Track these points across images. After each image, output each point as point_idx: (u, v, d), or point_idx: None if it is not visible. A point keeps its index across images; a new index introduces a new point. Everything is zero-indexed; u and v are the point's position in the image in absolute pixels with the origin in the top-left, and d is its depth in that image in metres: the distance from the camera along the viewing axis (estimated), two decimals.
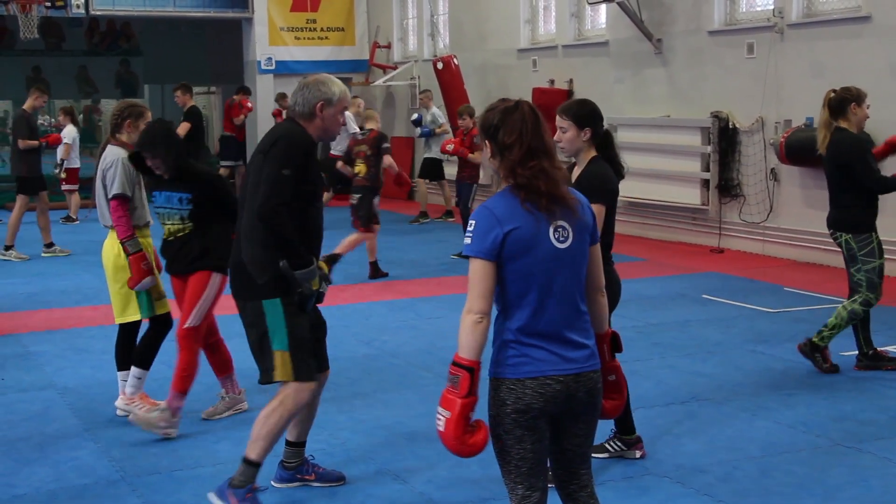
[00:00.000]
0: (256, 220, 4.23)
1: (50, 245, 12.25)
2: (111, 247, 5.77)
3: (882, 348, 6.77)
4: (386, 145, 10.32)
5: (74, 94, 21.79)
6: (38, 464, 5.20)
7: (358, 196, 10.09)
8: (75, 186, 15.33)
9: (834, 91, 6.49)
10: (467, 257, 3.14)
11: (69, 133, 15.01)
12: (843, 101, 6.40)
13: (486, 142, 3.23)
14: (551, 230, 3.13)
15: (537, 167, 3.13)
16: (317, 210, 4.48)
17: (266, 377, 4.43)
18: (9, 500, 4.74)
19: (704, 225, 12.11)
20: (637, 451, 5.06)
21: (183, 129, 13.46)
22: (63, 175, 15.05)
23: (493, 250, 3.09)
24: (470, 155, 11.21)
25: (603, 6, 13.46)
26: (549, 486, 3.30)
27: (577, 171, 4.69)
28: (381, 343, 7.71)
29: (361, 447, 5.39)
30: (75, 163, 15.15)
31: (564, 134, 4.57)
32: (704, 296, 9.19)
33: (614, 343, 3.41)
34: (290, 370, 4.36)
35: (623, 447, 5.05)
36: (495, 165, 3.22)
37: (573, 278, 3.18)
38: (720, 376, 6.57)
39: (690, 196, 12.15)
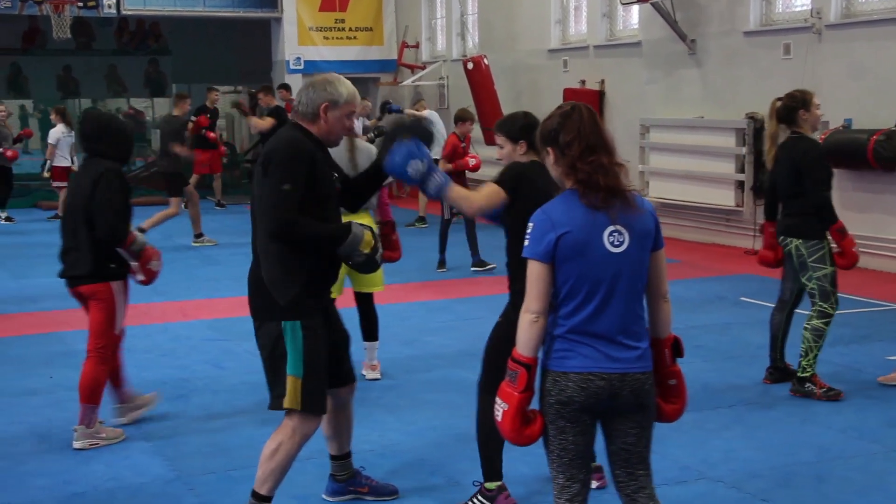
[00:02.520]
0: (272, 242, 4.04)
1: (199, 236, 12.92)
2: None
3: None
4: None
5: (103, 94, 21.94)
6: (93, 462, 5.24)
7: None
8: (63, 184, 15.54)
9: (779, 99, 6.36)
10: (526, 259, 3.25)
11: (54, 133, 15.29)
12: (791, 109, 6.27)
13: (549, 149, 3.29)
14: (606, 234, 3.21)
15: (596, 162, 3.22)
16: (333, 211, 4.28)
17: (275, 403, 4.18)
18: (68, 497, 4.78)
19: (739, 226, 12.07)
20: (594, 482, 4.61)
21: (268, 122, 14.19)
22: (47, 174, 15.56)
23: (548, 253, 3.20)
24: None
25: (635, 6, 13.44)
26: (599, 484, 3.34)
27: None
28: (422, 344, 7.72)
29: (413, 449, 5.40)
30: (62, 161, 15.33)
31: (502, 150, 4.52)
32: (743, 298, 9.16)
33: (675, 348, 3.42)
34: (298, 399, 4.10)
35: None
36: (558, 172, 3.29)
37: (627, 282, 3.23)
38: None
39: (724, 197, 12.11)
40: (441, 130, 14.33)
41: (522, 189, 4.31)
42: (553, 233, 3.19)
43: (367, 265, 4.20)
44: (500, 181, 4.32)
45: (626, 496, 3.39)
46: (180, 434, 5.67)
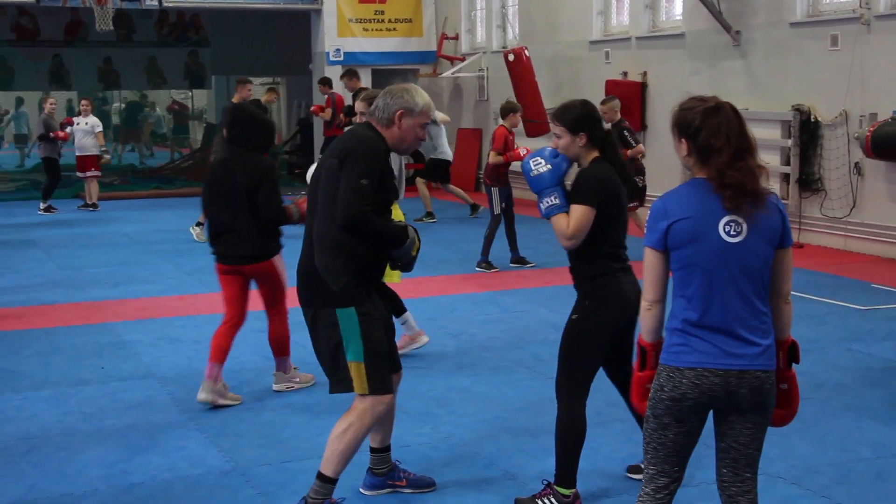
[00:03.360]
0: (339, 232, 4.11)
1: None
2: None
3: None
4: None
5: (144, 85, 22.10)
6: (149, 452, 5.28)
7: None
8: (81, 174, 15.95)
9: None
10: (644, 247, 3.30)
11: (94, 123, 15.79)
12: None
13: (683, 140, 3.26)
14: (722, 223, 3.18)
15: (745, 168, 3.19)
16: (389, 215, 4.40)
17: (339, 387, 4.28)
18: (127, 487, 4.81)
19: None
20: None
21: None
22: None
23: (660, 240, 3.24)
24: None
25: None
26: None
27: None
28: (469, 337, 7.71)
29: (466, 442, 5.39)
30: (76, 151, 15.70)
31: (559, 140, 4.38)
32: (791, 292, 9.05)
33: (792, 352, 3.36)
34: (365, 383, 4.20)
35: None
36: (689, 162, 3.28)
37: (744, 274, 3.19)
38: (819, 374, 6.48)
39: None
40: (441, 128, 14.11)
41: (607, 201, 4.28)
42: (665, 221, 3.22)
43: (409, 265, 4.41)
44: (584, 200, 4.23)
45: (728, 497, 3.35)
46: (234, 425, 5.70)
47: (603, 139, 4.42)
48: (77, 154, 15.84)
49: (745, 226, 3.18)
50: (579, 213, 4.23)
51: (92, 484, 4.86)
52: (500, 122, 10.84)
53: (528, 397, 6.16)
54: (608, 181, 4.33)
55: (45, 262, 11.22)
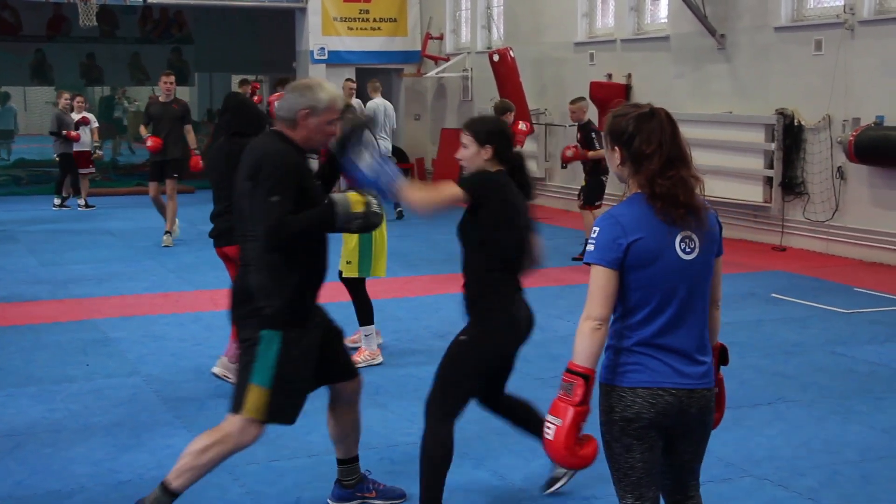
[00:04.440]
0: (267, 251, 3.96)
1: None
2: None
3: None
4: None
5: (126, 81, 21.98)
6: (136, 450, 5.26)
7: None
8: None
9: None
10: (589, 264, 3.10)
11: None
12: None
13: (616, 148, 3.14)
14: (678, 241, 3.06)
15: (676, 177, 3.05)
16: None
17: (235, 407, 4.05)
18: (115, 485, 4.80)
19: (766, 223, 12.03)
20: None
21: None
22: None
23: (617, 260, 3.04)
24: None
25: (664, 0, 13.39)
26: None
27: None
28: (454, 336, 7.69)
29: (455, 442, 5.37)
30: (86, 147, 15.70)
31: (465, 150, 4.25)
32: (774, 295, 9.13)
33: (722, 356, 3.31)
34: (263, 410, 4.01)
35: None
36: (623, 173, 3.16)
37: (698, 291, 3.10)
38: (804, 377, 6.53)
39: (752, 193, 12.06)
40: (391, 118, 14.04)
41: (490, 200, 4.14)
42: (624, 239, 3.03)
43: (370, 219, 4.06)
44: (466, 186, 4.12)
45: (673, 503, 3.31)
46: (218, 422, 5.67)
47: (511, 159, 4.28)
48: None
49: (697, 242, 3.08)
50: (450, 186, 4.12)
51: (79, 481, 4.84)
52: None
53: None
54: (490, 181, 4.18)
55: (27, 259, 11.15)
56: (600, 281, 3.06)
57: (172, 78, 12.26)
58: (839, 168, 11.03)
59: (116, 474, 4.93)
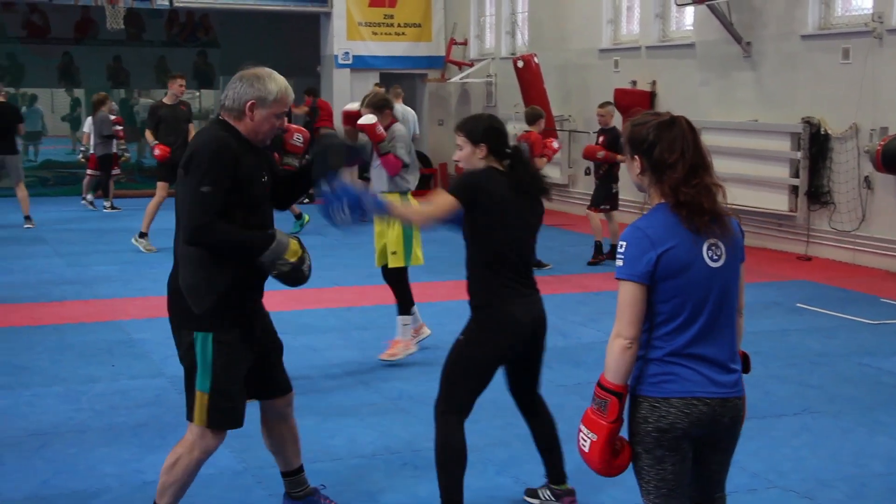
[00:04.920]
0: (186, 245, 3.79)
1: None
2: None
3: None
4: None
5: (152, 84, 22.11)
6: (161, 451, 5.23)
7: None
8: (95, 172, 16.03)
9: None
10: (619, 280, 3.06)
11: (88, 122, 15.96)
12: None
13: (636, 157, 3.14)
14: (705, 249, 3.06)
15: (701, 185, 3.05)
16: (264, 217, 3.99)
17: (188, 416, 4.00)
18: (140, 485, 4.82)
19: (791, 232, 11.96)
20: None
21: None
22: (83, 159, 16.21)
23: (647, 274, 3.02)
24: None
25: (690, 7, 13.35)
26: None
27: None
28: None
29: (478, 448, 5.32)
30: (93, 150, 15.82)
31: (461, 151, 4.29)
32: (799, 304, 9.07)
33: (743, 364, 3.27)
34: (204, 415, 3.90)
35: (552, 498, 4.61)
36: (643, 182, 3.16)
37: (727, 298, 3.09)
38: (830, 388, 6.49)
39: (778, 202, 12.00)
40: (412, 124, 13.91)
41: (480, 200, 4.15)
42: (653, 251, 3.01)
43: (293, 276, 3.89)
44: (454, 191, 4.14)
45: None
46: (245, 426, 5.61)
47: (510, 155, 4.28)
48: (93, 153, 15.80)
49: (723, 248, 3.08)
50: (441, 197, 4.14)
51: (105, 481, 4.87)
52: (528, 128, 10.92)
53: None
54: (479, 180, 4.19)
55: (54, 259, 11.24)
56: (629, 297, 3.03)
57: (184, 80, 12.23)
58: (866, 177, 10.96)
59: (141, 475, 4.95)
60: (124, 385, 6.46)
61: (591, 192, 11.65)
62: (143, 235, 11.90)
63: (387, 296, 9.24)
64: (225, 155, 3.77)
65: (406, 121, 13.60)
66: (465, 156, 4.28)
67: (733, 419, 3.12)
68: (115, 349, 7.34)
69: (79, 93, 21.11)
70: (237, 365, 3.93)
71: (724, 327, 3.09)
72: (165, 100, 12.11)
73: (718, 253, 3.07)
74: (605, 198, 11.29)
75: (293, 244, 3.87)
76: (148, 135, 11.99)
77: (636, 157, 3.13)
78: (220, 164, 3.75)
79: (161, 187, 11.94)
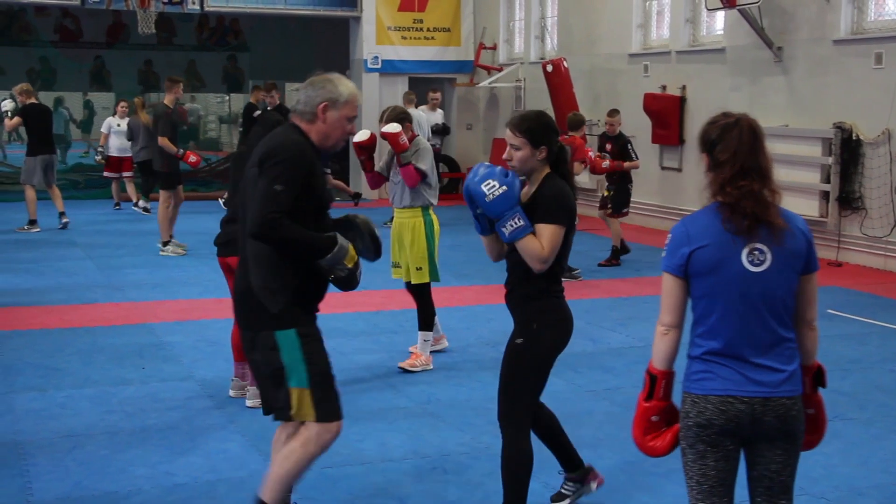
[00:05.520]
0: (252, 240, 3.77)
1: (168, 242, 12.10)
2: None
3: None
4: None
5: (184, 88, 22.27)
6: (191, 454, 5.32)
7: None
8: (115, 174, 16.23)
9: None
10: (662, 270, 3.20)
11: (106, 124, 16.15)
12: None
13: (704, 154, 3.21)
14: (745, 252, 3.09)
15: (747, 188, 3.08)
16: (325, 222, 4.00)
17: (281, 414, 3.94)
18: (170, 488, 4.85)
19: (822, 238, 11.85)
20: (593, 483, 4.67)
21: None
22: (101, 160, 16.29)
23: (679, 267, 3.15)
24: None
25: (721, 12, 13.29)
26: None
27: (527, 191, 4.19)
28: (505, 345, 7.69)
29: (498, 454, 5.37)
30: (112, 151, 16.04)
31: (517, 152, 4.08)
32: (829, 311, 9.00)
33: (818, 377, 3.31)
34: (311, 409, 3.85)
35: (577, 485, 4.66)
36: (708, 179, 3.19)
37: (767, 302, 3.10)
38: (861, 395, 6.43)
39: (808, 207, 11.89)
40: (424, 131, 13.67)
41: (570, 220, 4.12)
42: (687, 247, 3.12)
43: (348, 281, 3.95)
44: (559, 220, 4.04)
45: None
46: (275, 429, 5.69)
47: (557, 153, 4.18)
48: (113, 155, 15.99)
49: (769, 254, 3.09)
50: (552, 233, 4.01)
51: (136, 483, 4.90)
52: (571, 133, 10.93)
53: (566, 409, 6.08)
54: (570, 199, 4.13)
55: (85, 262, 11.34)
56: (666, 286, 3.20)
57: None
58: None
59: (172, 477, 4.98)
60: (154, 388, 6.51)
61: (605, 199, 11.60)
62: (166, 243, 11.95)
63: (411, 301, 9.27)
64: (302, 159, 3.79)
65: (420, 128, 13.43)
66: (524, 157, 4.08)
67: (780, 418, 3.12)
68: (146, 352, 7.40)
69: (109, 97, 21.32)
70: (325, 354, 3.92)
71: (766, 330, 3.11)
72: (167, 103, 11.93)
73: (762, 258, 3.09)
74: (625, 202, 11.49)
75: (352, 250, 3.92)
76: (167, 143, 11.62)
77: (704, 154, 3.22)
78: (298, 167, 3.76)
79: (167, 196, 11.86)
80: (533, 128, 4.08)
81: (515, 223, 3.96)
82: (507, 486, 4.21)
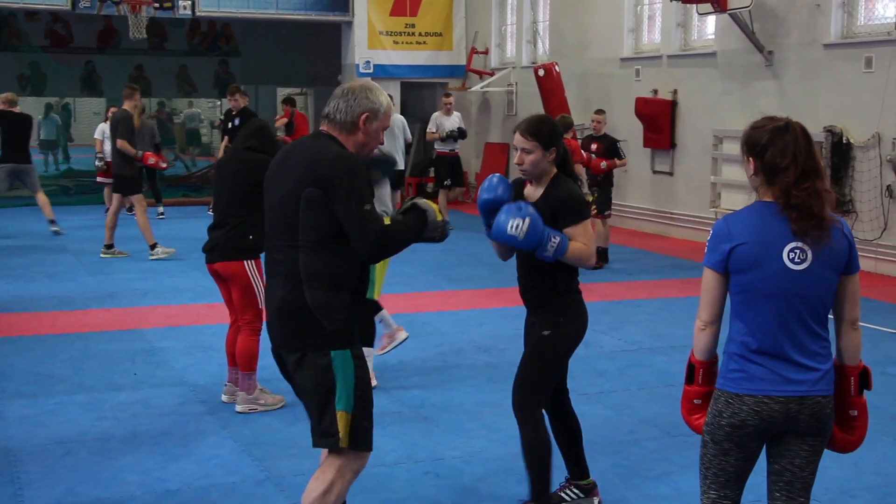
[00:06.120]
0: (369, 261, 3.73)
1: (110, 246, 12.11)
2: None
3: None
4: None
5: (174, 93, 22.27)
6: (184, 460, 5.31)
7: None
8: (108, 180, 15.83)
9: None
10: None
11: (100, 129, 16.00)
12: None
13: (750, 158, 3.24)
14: (786, 250, 3.14)
15: (811, 189, 3.14)
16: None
17: (327, 441, 3.73)
18: (163, 494, 4.84)
19: None
20: (594, 499, 4.72)
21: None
22: (101, 166, 16.01)
23: (720, 262, 3.21)
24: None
25: (712, 16, 13.32)
26: None
27: (534, 191, 4.36)
28: (499, 352, 7.71)
29: (500, 456, 5.38)
30: (106, 156, 15.77)
31: (528, 156, 4.25)
32: None
33: (863, 379, 3.33)
34: (348, 436, 3.69)
35: (579, 494, 4.71)
36: (755, 182, 3.26)
37: (805, 301, 3.15)
38: None
39: None
40: (406, 133, 13.24)
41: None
42: (728, 243, 3.18)
43: (446, 229, 3.91)
44: (584, 216, 4.32)
45: None
46: (267, 434, 5.72)
47: (563, 155, 4.37)
48: (107, 160, 15.98)
49: (809, 253, 3.14)
50: (585, 229, 4.28)
51: (128, 490, 4.89)
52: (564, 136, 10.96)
53: None
54: (582, 194, 4.40)
55: (76, 268, 11.31)
56: (706, 282, 3.26)
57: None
58: (888, 186, 10.90)
59: (165, 483, 4.97)
60: (146, 393, 6.49)
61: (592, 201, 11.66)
62: (153, 247, 11.97)
63: (404, 305, 9.29)
64: (361, 170, 3.71)
65: (403, 131, 12.88)
66: (535, 160, 4.26)
67: (815, 416, 3.18)
68: (138, 357, 7.38)
69: (100, 102, 21.30)
70: (370, 382, 3.84)
71: (804, 329, 3.16)
72: (129, 109, 11.93)
73: (803, 257, 3.14)
74: (609, 205, 11.65)
75: (433, 203, 3.90)
76: (126, 145, 11.66)
77: (750, 158, 3.26)
78: (366, 182, 3.71)
79: (118, 199, 11.91)
80: (543, 131, 4.28)
81: (553, 244, 4.15)
82: (532, 469, 4.36)
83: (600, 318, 8.77)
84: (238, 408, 6.08)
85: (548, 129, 4.29)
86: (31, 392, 6.51)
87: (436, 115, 15.27)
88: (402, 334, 7.05)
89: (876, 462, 5.32)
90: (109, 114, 16.23)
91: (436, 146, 15.29)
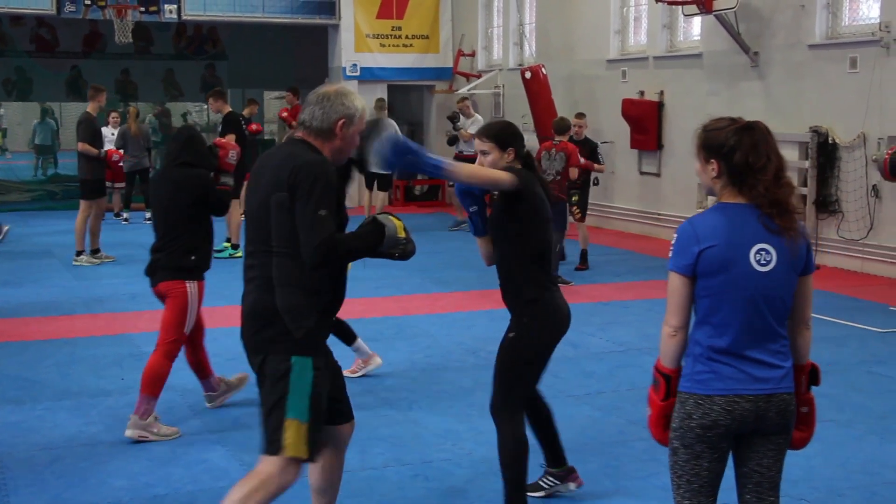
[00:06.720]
0: (312, 269, 3.63)
1: (96, 251, 12.09)
2: None
3: None
4: None
5: (161, 97, 22.20)
6: (171, 465, 5.29)
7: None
8: (121, 185, 16.19)
9: None
10: (669, 270, 3.22)
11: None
12: None
13: (713, 160, 3.19)
14: (753, 252, 3.13)
15: (788, 185, 3.17)
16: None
17: (270, 448, 3.71)
18: (149, 499, 4.83)
19: None
20: (571, 484, 4.81)
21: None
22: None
23: (688, 266, 3.16)
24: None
25: (697, 18, 13.36)
26: None
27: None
28: (487, 354, 7.67)
29: (488, 458, 5.34)
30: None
31: (486, 157, 4.36)
32: None
33: (813, 376, 3.35)
34: (302, 446, 3.66)
35: (556, 482, 4.80)
36: (716, 185, 3.22)
37: (771, 303, 3.15)
38: (840, 397, 6.47)
39: None
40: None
41: (529, 193, 4.26)
42: (696, 246, 3.14)
43: (409, 247, 3.82)
44: (510, 171, 4.23)
45: None
46: (255, 439, 5.62)
47: (525, 157, 4.44)
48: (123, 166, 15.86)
49: (774, 254, 3.13)
50: (503, 172, 4.26)
51: (116, 495, 4.88)
52: (559, 138, 10.94)
53: None
54: (532, 179, 4.33)
55: (62, 273, 11.28)
56: (673, 286, 3.21)
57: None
58: (874, 186, 10.95)
59: (152, 488, 4.96)
60: (134, 398, 6.38)
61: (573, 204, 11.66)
62: (93, 252, 11.96)
63: (392, 307, 9.28)
64: (332, 179, 3.68)
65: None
66: (493, 161, 4.35)
67: (781, 413, 3.19)
68: (125, 362, 7.36)
69: (86, 107, 21.21)
70: (326, 393, 3.78)
71: (770, 329, 3.16)
72: (92, 111, 11.92)
73: (768, 258, 3.13)
74: (587, 206, 11.73)
75: (394, 219, 3.82)
76: (87, 147, 11.66)
77: (713, 160, 3.20)
78: (331, 188, 3.65)
79: (87, 206, 11.83)
80: (498, 133, 4.40)
81: (429, 154, 3.98)
82: (506, 472, 4.33)
83: (588, 319, 8.78)
84: (128, 432, 5.67)
85: (503, 130, 4.43)
86: (17, 398, 6.48)
87: (462, 119, 15.39)
88: (377, 361, 7.02)
89: (864, 461, 5.34)
90: (110, 118, 16.17)
91: (462, 148, 15.25)
